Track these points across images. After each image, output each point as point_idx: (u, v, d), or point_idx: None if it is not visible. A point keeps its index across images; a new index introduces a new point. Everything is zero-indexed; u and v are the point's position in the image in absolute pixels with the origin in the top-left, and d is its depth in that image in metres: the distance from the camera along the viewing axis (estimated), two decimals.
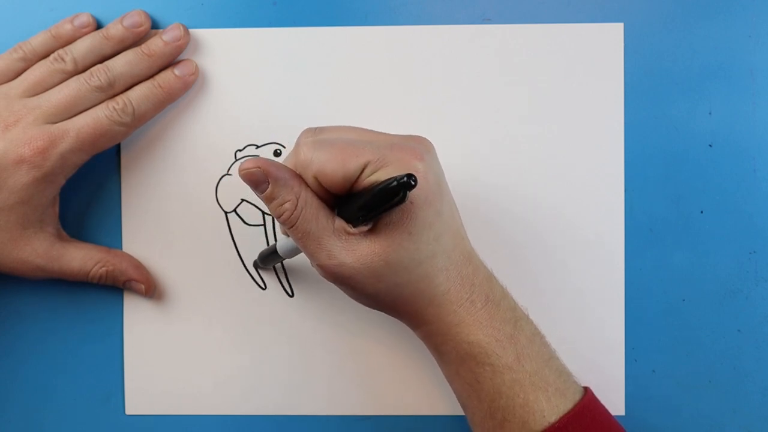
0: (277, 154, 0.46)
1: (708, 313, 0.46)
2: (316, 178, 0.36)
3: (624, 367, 0.46)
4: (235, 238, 0.46)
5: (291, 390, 0.46)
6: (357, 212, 0.36)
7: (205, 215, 0.46)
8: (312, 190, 0.37)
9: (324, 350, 0.46)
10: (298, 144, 0.37)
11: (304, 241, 0.37)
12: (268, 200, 0.37)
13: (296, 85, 0.46)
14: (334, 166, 0.35)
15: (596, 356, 0.45)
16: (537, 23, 0.45)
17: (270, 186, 0.36)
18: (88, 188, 0.46)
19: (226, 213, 0.46)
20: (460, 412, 0.46)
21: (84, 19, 0.44)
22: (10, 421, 0.47)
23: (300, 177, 0.37)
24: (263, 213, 0.46)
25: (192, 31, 0.45)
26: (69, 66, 0.43)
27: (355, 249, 0.36)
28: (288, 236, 0.41)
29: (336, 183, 0.36)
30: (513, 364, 0.37)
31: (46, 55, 0.44)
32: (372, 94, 0.46)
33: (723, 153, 0.45)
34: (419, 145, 0.37)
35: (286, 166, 0.37)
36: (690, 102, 0.45)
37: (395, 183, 0.33)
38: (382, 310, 0.39)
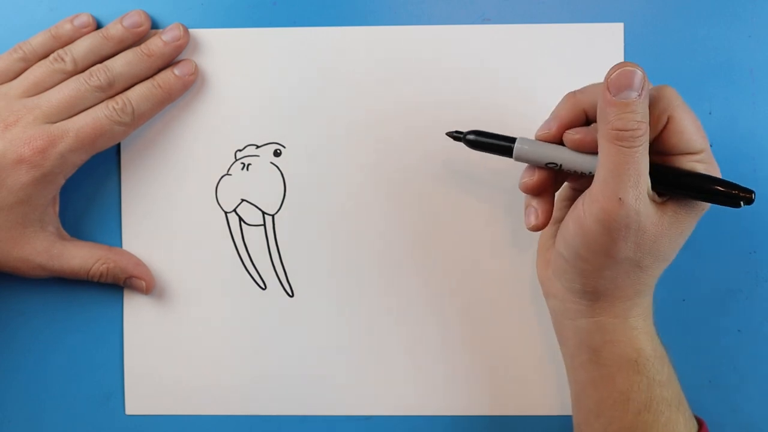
0: (277, 154, 0.46)
1: (708, 313, 0.46)
2: (662, 122, 0.35)
3: None
4: (234, 238, 0.46)
5: (291, 390, 0.46)
6: (678, 184, 0.36)
7: (205, 215, 0.46)
8: None
9: (324, 350, 0.46)
10: (664, 89, 0.36)
11: (623, 168, 0.34)
12: (625, 107, 0.34)
13: (296, 85, 0.46)
14: (691, 130, 0.36)
15: None
16: (537, 23, 0.45)
17: (640, 97, 0.34)
18: (88, 188, 0.46)
19: (226, 213, 0.46)
20: (461, 412, 0.46)
21: (84, 19, 0.44)
22: (10, 421, 0.47)
23: None
24: (263, 213, 0.46)
25: (192, 31, 0.45)
26: (69, 66, 0.43)
27: (651, 208, 0.35)
28: (541, 144, 0.39)
29: (673, 142, 0.36)
30: (665, 382, 0.38)
31: (45, 55, 0.44)
32: (372, 94, 0.46)
33: (723, 153, 0.45)
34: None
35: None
36: (690, 102, 0.45)
37: (740, 194, 0.35)
38: (592, 279, 0.38)
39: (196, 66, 0.45)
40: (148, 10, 0.45)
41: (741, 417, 0.46)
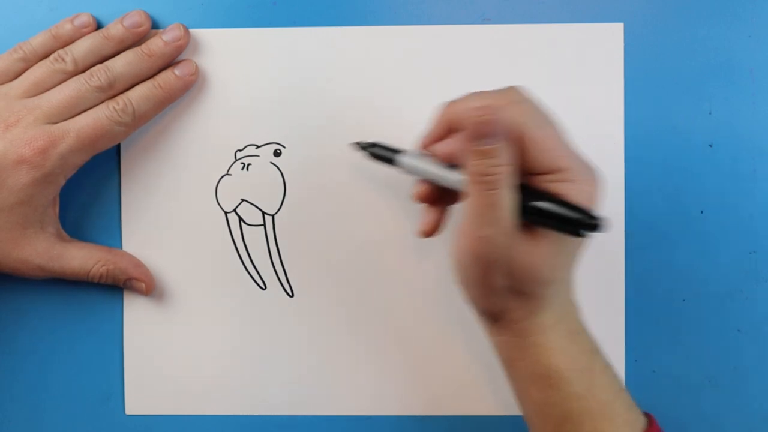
0: (277, 153, 0.46)
1: (708, 313, 0.46)
2: (517, 143, 0.35)
3: (624, 367, 0.46)
4: (234, 238, 0.46)
5: (291, 390, 0.46)
6: (525, 206, 0.35)
7: (205, 215, 0.46)
8: None
9: (324, 350, 0.46)
10: (518, 95, 0.36)
11: (484, 209, 0.35)
12: (484, 154, 0.35)
13: (296, 85, 0.46)
14: (538, 149, 0.35)
15: None
16: (537, 23, 0.45)
17: (498, 144, 0.34)
18: (88, 188, 0.46)
19: (226, 213, 0.46)
20: (462, 412, 0.46)
21: (84, 19, 0.44)
22: (10, 421, 0.47)
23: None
24: (263, 213, 0.46)
25: (192, 31, 0.45)
26: (69, 66, 0.43)
27: (517, 240, 0.35)
28: (422, 158, 0.39)
29: (523, 164, 0.35)
30: (585, 393, 0.37)
31: (46, 56, 0.44)
32: (372, 94, 0.46)
33: (723, 153, 0.45)
34: (600, 177, 0.36)
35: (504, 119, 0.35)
36: (690, 102, 0.45)
37: (581, 219, 0.33)
38: (481, 304, 0.38)
39: (196, 66, 0.45)
40: (149, 10, 0.45)
41: (741, 417, 0.46)
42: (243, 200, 0.46)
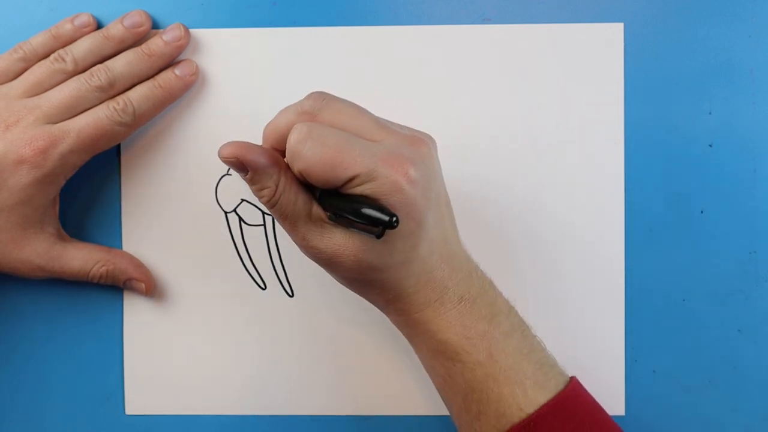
0: None
1: (708, 313, 0.46)
2: (300, 173, 0.36)
3: (624, 367, 0.46)
4: (234, 238, 0.46)
5: (291, 390, 0.46)
6: (336, 212, 0.36)
7: (205, 215, 0.46)
8: (293, 174, 0.37)
9: (324, 350, 0.46)
10: (296, 121, 0.36)
11: (282, 222, 0.38)
12: (248, 183, 0.37)
13: (296, 85, 0.46)
14: (321, 169, 0.35)
15: (596, 356, 0.45)
16: (537, 23, 0.45)
17: (250, 173, 0.36)
18: (88, 188, 0.46)
19: (226, 213, 0.46)
20: None
21: (84, 19, 0.44)
22: (10, 421, 0.47)
23: (281, 160, 0.37)
24: (263, 213, 0.46)
25: (192, 31, 0.45)
26: (69, 66, 0.43)
27: (330, 237, 0.37)
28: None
29: (319, 184, 0.36)
30: (485, 360, 0.37)
31: (46, 56, 0.44)
32: (372, 94, 0.46)
33: (723, 153, 0.45)
34: (416, 152, 0.36)
35: (266, 150, 0.37)
36: (690, 102, 0.45)
37: (378, 217, 0.34)
38: (352, 291, 0.40)
39: (196, 66, 0.45)
40: (149, 10, 0.45)
41: (741, 417, 0.46)
42: (243, 200, 0.46)
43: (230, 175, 0.46)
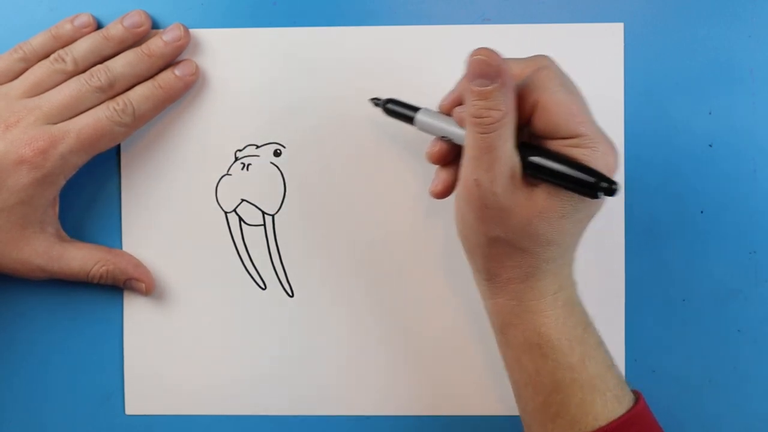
0: (277, 154, 0.46)
1: (708, 313, 0.46)
2: (534, 106, 0.35)
3: (624, 367, 0.46)
4: (234, 238, 0.46)
5: (291, 390, 0.46)
6: (539, 168, 0.35)
7: (205, 215, 0.46)
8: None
9: (324, 350, 0.46)
10: (545, 61, 0.37)
11: (479, 152, 0.35)
12: (480, 95, 0.35)
13: (296, 85, 0.46)
14: (559, 113, 0.35)
15: None
16: (537, 23, 0.45)
17: (493, 87, 0.34)
18: (88, 188, 0.46)
19: (226, 213, 0.46)
20: (461, 412, 0.46)
21: (84, 19, 0.44)
22: (10, 421, 0.47)
23: (515, 90, 0.36)
24: (263, 213, 0.46)
25: (192, 31, 0.45)
26: (69, 66, 0.43)
27: (514, 190, 0.36)
28: (438, 115, 0.40)
29: (543, 127, 0.35)
30: (576, 365, 0.37)
31: (46, 56, 0.44)
32: (372, 94, 0.45)
33: (723, 153, 0.45)
34: (617, 152, 0.37)
35: (512, 73, 0.35)
36: (690, 102, 0.45)
37: (604, 176, 0.34)
38: (479, 257, 0.38)
39: (196, 66, 0.45)
40: (149, 10, 0.45)
41: (741, 417, 0.46)
42: (243, 200, 0.46)
43: (230, 175, 0.46)
